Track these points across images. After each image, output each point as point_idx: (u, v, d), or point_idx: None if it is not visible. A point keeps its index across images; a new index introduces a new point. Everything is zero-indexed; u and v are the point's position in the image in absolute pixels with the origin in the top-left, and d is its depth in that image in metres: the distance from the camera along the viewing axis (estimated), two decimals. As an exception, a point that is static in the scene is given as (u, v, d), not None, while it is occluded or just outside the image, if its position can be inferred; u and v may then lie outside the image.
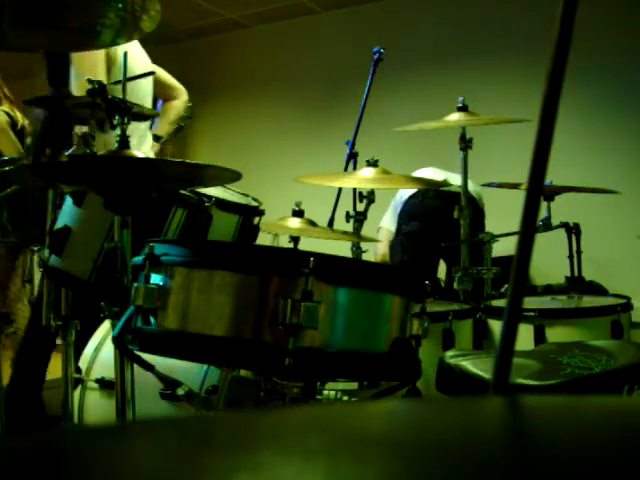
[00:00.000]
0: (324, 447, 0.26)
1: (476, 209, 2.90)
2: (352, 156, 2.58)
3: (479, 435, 0.28)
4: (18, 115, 3.13)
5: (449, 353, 1.44)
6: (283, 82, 4.87)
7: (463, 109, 2.29)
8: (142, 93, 2.43)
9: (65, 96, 2.10)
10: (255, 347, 1.06)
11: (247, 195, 1.82)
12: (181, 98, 2.82)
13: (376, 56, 2.42)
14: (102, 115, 1.47)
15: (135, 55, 2.38)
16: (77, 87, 2.23)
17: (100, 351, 1.87)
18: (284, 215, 2.20)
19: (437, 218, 2.93)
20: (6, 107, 3.11)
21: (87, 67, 2.17)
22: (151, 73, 2.29)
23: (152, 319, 1.10)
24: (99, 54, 2.22)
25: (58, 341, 1.78)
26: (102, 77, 2.17)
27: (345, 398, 1.53)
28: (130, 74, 1.51)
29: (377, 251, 3.34)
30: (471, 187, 2.75)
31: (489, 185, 2.82)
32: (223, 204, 1.59)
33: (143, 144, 2.45)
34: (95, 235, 1.49)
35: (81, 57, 2.24)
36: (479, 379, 1.28)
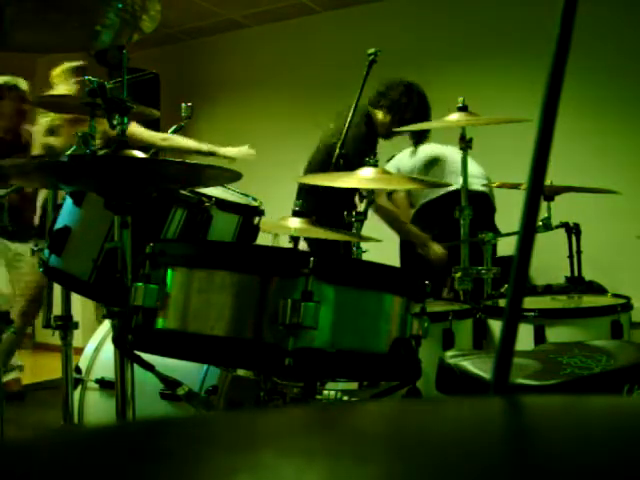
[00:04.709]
0: (324, 447, 0.26)
1: (488, 205, 2.87)
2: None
3: (479, 435, 0.28)
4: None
5: (449, 353, 1.44)
6: (283, 82, 4.87)
7: (463, 109, 2.29)
8: None
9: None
10: (255, 347, 1.05)
11: (247, 195, 1.82)
12: None
13: (371, 58, 2.40)
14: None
15: None
16: None
17: (100, 351, 1.87)
18: (284, 215, 2.20)
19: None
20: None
21: None
22: (152, 73, 2.29)
23: (152, 319, 1.10)
24: None
25: (58, 341, 1.78)
26: None
27: (345, 398, 1.53)
28: None
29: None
30: (483, 183, 2.73)
31: (488, 185, 2.82)
32: (223, 204, 1.59)
33: None
34: (95, 235, 1.49)
35: None
36: (479, 379, 1.28)
